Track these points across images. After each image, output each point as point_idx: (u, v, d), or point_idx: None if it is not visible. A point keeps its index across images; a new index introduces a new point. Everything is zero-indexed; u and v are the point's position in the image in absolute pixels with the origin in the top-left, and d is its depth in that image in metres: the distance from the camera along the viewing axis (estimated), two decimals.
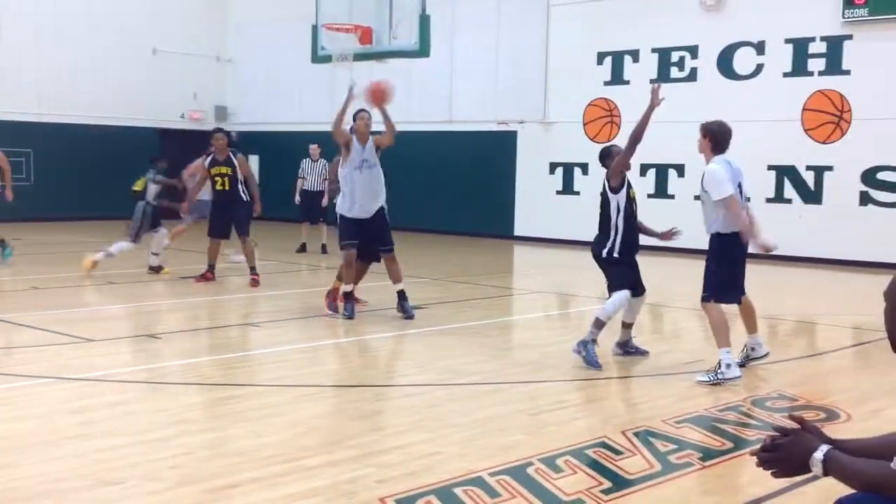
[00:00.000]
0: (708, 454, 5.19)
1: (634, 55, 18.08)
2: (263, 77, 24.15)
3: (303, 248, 15.97)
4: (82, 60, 22.10)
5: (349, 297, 9.45)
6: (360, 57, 20.42)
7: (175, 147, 21.64)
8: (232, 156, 11.60)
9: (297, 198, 16.34)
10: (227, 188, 11.49)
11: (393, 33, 20.94)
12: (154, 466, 4.74)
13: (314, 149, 16.46)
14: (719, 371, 6.86)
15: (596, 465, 4.90)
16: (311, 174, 16.32)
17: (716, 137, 7.20)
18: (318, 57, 17.94)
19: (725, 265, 7.13)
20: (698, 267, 7.63)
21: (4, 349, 7.89)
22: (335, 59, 21.12)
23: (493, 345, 8.56)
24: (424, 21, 17.24)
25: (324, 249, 15.78)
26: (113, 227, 19.84)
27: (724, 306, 7.22)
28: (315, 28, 17.11)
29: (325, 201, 15.82)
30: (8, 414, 5.79)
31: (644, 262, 8.21)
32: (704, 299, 7.16)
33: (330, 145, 17.96)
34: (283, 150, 21.73)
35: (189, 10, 24.13)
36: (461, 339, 8.79)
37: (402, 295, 9.53)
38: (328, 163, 15.89)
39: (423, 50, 16.30)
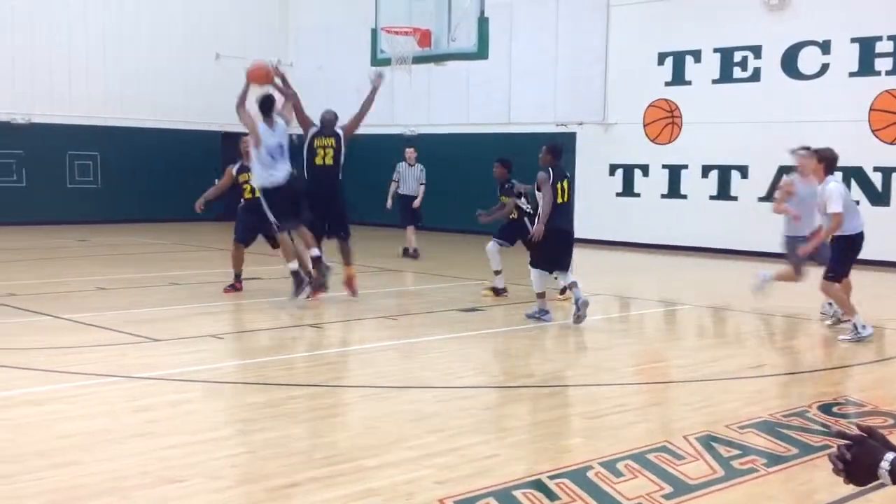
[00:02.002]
0: (773, 460, 5.09)
1: (696, 55, 17.85)
2: (323, 81, 24.35)
3: (404, 253, 15.57)
4: (148, 65, 22.52)
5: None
6: (418, 60, 20.48)
7: (236, 152, 21.95)
8: None
9: (390, 202, 15.99)
10: (256, 195, 11.15)
11: (451, 36, 20.97)
12: (215, 465, 4.80)
13: (410, 152, 16.14)
14: (857, 332, 8.55)
15: (657, 470, 4.83)
16: (407, 178, 15.94)
17: (829, 163, 8.79)
18: (378, 60, 18.00)
19: (849, 254, 8.93)
20: (761, 270, 7.49)
21: (71, 348, 8.06)
22: (394, 62, 21.21)
23: (551, 347, 8.51)
24: (483, 23, 17.21)
25: (415, 253, 15.43)
26: (176, 228, 20.22)
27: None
28: (374, 31, 17.19)
29: (416, 203, 15.69)
30: (74, 412, 5.91)
31: (707, 266, 8.08)
32: (830, 279, 8.82)
33: (425, 148, 18.13)
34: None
35: (251, 16, 24.45)
36: (519, 341, 8.75)
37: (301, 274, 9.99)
38: (423, 167, 15.90)
39: (481, 52, 16.27)
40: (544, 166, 9.91)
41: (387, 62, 19.39)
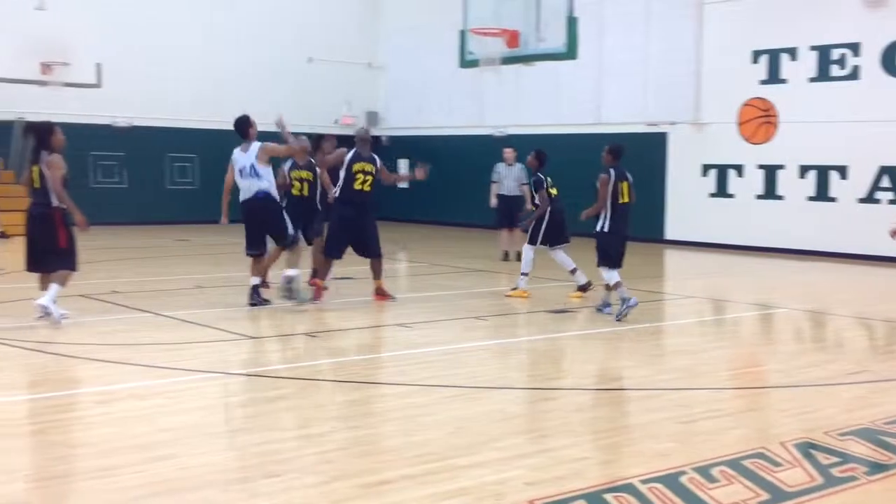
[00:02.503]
0: (874, 468, 4.95)
1: (792, 53, 17.43)
2: (413, 82, 24.56)
3: (506, 257, 15.38)
4: (242, 69, 23.05)
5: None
6: (507, 60, 20.50)
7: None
8: (312, 161, 11.33)
9: (494, 201, 15.74)
10: (305, 193, 11.22)
11: (540, 36, 20.96)
12: (310, 460, 4.90)
13: (509, 153, 15.82)
14: None
15: (753, 477, 4.74)
16: (507, 178, 15.66)
17: None
18: (466, 61, 18.04)
19: None
20: (860, 273, 7.28)
21: (171, 345, 8.31)
22: (482, 63, 21.26)
23: (642, 350, 8.42)
24: (572, 23, 17.13)
25: (519, 257, 15.17)
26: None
27: None
28: (463, 33, 17.23)
29: (528, 206, 15.40)
30: (175, 406, 6.10)
31: (804, 269, 7.90)
32: None
33: (525, 150, 18.00)
34: (432, 154, 22.05)
35: (342, 20, 24.82)
36: (610, 343, 8.69)
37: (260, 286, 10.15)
38: (524, 166, 15.66)
39: (570, 52, 16.20)
40: (606, 167, 10.00)
41: (475, 63, 19.42)
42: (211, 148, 22.47)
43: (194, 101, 22.37)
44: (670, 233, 19.48)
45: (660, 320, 10.56)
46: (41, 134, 8.93)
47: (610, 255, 9.84)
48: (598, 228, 9.92)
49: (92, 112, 20.87)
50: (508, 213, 15.38)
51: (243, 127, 10.48)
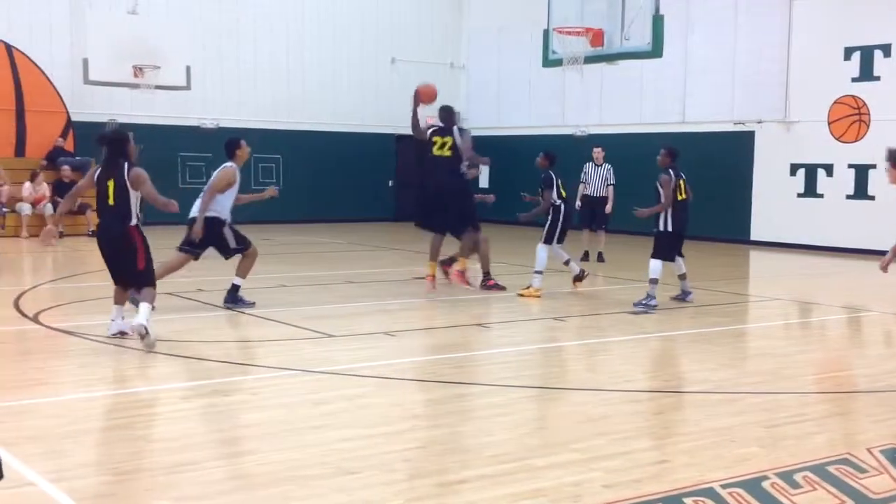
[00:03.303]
0: None
1: (885, 49, 16.89)
2: (495, 82, 24.55)
3: (585, 257, 15.00)
4: (327, 71, 23.37)
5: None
6: (590, 60, 20.30)
7: (409, 154, 22.44)
8: None
9: (578, 203, 15.35)
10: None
11: (625, 35, 20.70)
12: (388, 458, 4.94)
13: (598, 152, 15.56)
14: None
15: (838, 483, 4.62)
16: (593, 178, 15.36)
17: None
18: (549, 61, 17.92)
19: None
20: None
21: (254, 342, 8.48)
22: (566, 62, 21.11)
23: (725, 353, 8.26)
24: (658, 21, 16.90)
25: (600, 258, 14.99)
26: (353, 228, 20.87)
27: None
28: (546, 32, 17.14)
29: (608, 208, 15.14)
30: (256, 403, 6.22)
31: (894, 271, 7.69)
32: None
33: (615, 150, 17.98)
34: (514, 154, 22.01)
35: (425, 20, 24.95)
36: (692, 345, 8.56)
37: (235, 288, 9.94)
38: (612, 167, 15.42)
39: (656, 50, 15.95)
40: (664, 168, 10.56)
41: (558, 63, 19.31)
42: (295, 149, 22.86)
43: (278, 103, 22.76)
44: (756, 233, 19.07)
45: (744, 322, 10.37)
46: (118, 143, 7.92)
47: (666, 251, 10.45)
48: (660, 228, 10.49)
49: (181, 114, 21.41)
50: (591, 214, 15.23)
51: (232, 148, 10.17)
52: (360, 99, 23.88)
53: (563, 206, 11.34)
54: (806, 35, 18.01)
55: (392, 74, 24.23)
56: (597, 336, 9.04)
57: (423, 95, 11.29)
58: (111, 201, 7.71)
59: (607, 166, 15.38)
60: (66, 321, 8.98)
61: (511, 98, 24.00)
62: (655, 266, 10.39)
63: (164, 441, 5.26)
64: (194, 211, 9.86)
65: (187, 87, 19.42)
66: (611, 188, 15.26)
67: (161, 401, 6.25)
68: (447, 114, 11.47)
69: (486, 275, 11.47)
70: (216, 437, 5.44)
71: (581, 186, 15.51)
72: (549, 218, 11.35)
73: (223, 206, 9.93)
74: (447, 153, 11.15)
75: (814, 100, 17.88)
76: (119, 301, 8.02)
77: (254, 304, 9.92)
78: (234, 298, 9.92)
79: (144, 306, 7.56)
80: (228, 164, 10.02)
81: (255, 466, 4.81)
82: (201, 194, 10.00)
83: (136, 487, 4.52)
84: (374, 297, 11.06)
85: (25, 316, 9.26)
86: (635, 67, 20.30)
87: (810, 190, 18.17)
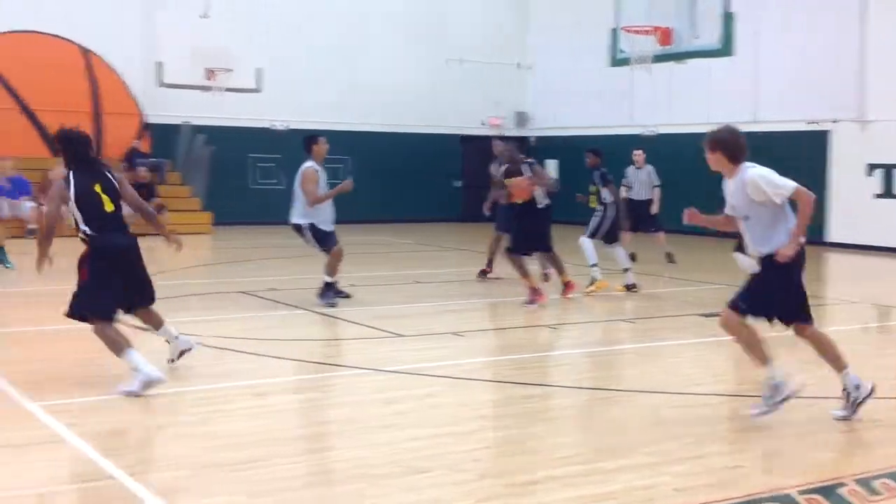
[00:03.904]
0: None
1: None
2: (562, 82, 24.41)
3: (633, 258, 14.34)
4: (392, 71, 23.47)
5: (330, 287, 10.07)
6: (658, 59, 20.07)
7: (475, 154, 22.49)
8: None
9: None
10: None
11: (694, 33, 20.45)
12: (458, 458, 4.95)
13: (638, 154, 15.31)
14: None
15: None
16: (636, 182, 15.13)
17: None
18: (617, 60, 17.76)
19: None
20: None
21: (324, 341, 8.57)
22: (633, 61, 20.91)
23: (801, 357, 8.08)
24: (728, 19, 16.66)
25: (670, 258, 14.67)
26: (418, 229, 20.95)
27: None
28: (615, 31, 17.00)
29: (654, 208, 14.92)
30: (328, 401, 6.29)
31: None
32: None
33: (664, 149, 17.78)
34: (579, 154, 21.91)
35: (492, 20, 24.92)
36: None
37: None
38: (654, 169, 15.19)
39: (725, 48, 15.72)
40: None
41: (626, 62, 19.12)
42: (362, 150, 23.02)
43: (345, 104, 22.92)
44: (833, 235, 18.63)
45: (822, 326, 10.13)
46: (84, 144, 6.60)
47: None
48: None
49: (251, 116, 21.74)
50: (636, 217, 14.88)
51: (308, 144, 10.35)
52: (426, 99, 23.94)
53: (616, 205, 11.55)
54: (883, 32, 17.55)
55: (456, 74, 24.25)
56: (667, 338, 8.92)
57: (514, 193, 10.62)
58: (108, 208, 6.45)
59: (649, 168, 15.17)
60: None
61: (577, 98, 23.82)
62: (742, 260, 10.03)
63: (237, 437, 5.34)
64: (294, 217, 10.20)
65: (257, 90, 19.72)
66: (657, 190, 15.02)
67: (234, 398, 6.34)
68: (510, 152, 11.10)
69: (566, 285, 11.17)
70: (289, 435, 5.51)
71: (623, 190, 15.06)
72: (602, 214, 11.39)
73: (305, 209, 10.15)
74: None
75: (891, 98, 17.41)
76: (157, 322, 6.88)
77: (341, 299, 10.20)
78: (323, 294, 10.11)
79: (168, 325, 6.86)
80: (307, 163, 10.12)
81: (327, 464, 4.86)
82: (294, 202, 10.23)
83: (210, 482, 4.60)
84: (442, 297, 11.09)
85: None
86: (704, 66, 20.04)
87: (889, 190, 17.70)
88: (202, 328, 8.69)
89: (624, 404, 6.38)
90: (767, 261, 5.77)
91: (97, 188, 6.41)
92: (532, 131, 25.29)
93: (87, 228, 6.39)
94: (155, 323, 6.85)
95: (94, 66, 20.37)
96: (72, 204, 6.38)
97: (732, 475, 4.74)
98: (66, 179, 6.42)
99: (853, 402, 5.75)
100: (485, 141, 24.16)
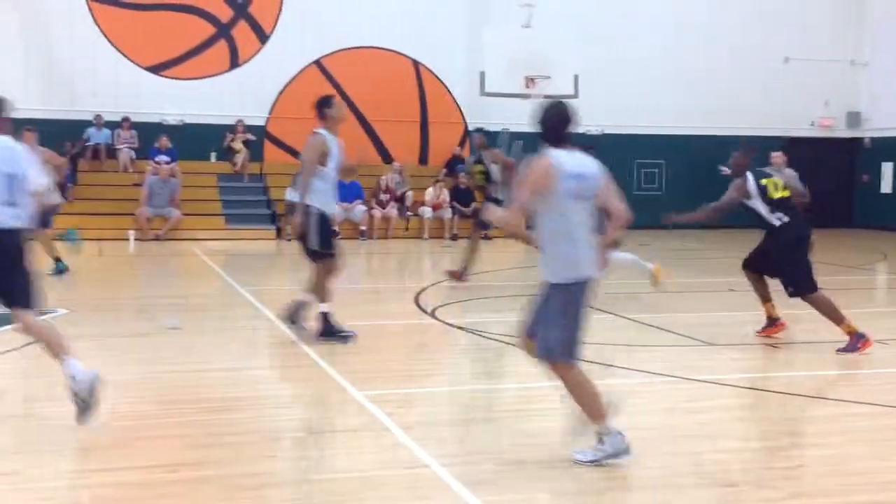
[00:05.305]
0: None
1: None
2: None
3: None
4: (712, 72, 22.79)
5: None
6: None
7: (804, 156, 21.26)
8: None
9: None
10: None
11: None
12: (767, 475, 4.77)
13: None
14: None
15: None
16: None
17: None
18: None
19: None
20: None
21: (634, 347, 8.52)
22: None
23: None
24: None
25: None
26: (733, 235, 20.14)
27: None
28: None
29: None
30: (633, 407, 6.25)
31: None
32: None
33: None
34: None
35: (822, 16, 23.49)
36: None
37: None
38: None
39: None
40: None
41: None
42: (678, 153, 22.60)
43: (661, 107, 22.58)
44: None
45: None
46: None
47: None
48: None
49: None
50: None
51: (320, 108, 8.12)
52: (749, 100, 23.02)
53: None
54: None
55: (784, 74, 23.09)
56: None
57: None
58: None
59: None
60: (459, 317, 9.62)
61: None
62: None
63: (542, 436, 5.47)
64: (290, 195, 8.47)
65: (574, 96, 19.95)
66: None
67: (539, 397, 6.48)
68: (742, 158, 9.78)
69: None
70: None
71: None
72: None
73: (319, 191, 7.94)
74: (785, 193, 9.45)
75: None
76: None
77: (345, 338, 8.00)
78: (322, 330, 8.01)
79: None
80: (317, 129, 8.01)
81: (631, 470, 4.86)
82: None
83: (516, 477, 4.76)
84: (755, 308, 10.62)
85: (424, 311, 10.07)
86: None
87: None
88: (501, 328, 8.76)
89: None
90: None
91: None
92: (866, 132, 23.53)
93: None
94: None
95: (423, 78, 21.67)
96: None
97: None
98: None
99: None
100: (814, 143, 22.90)
